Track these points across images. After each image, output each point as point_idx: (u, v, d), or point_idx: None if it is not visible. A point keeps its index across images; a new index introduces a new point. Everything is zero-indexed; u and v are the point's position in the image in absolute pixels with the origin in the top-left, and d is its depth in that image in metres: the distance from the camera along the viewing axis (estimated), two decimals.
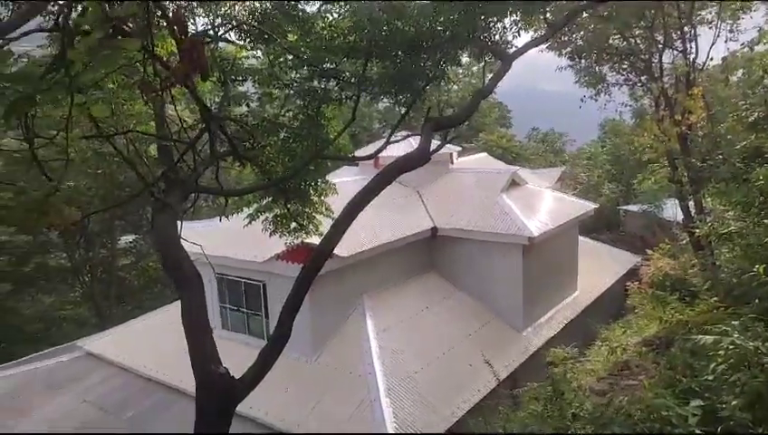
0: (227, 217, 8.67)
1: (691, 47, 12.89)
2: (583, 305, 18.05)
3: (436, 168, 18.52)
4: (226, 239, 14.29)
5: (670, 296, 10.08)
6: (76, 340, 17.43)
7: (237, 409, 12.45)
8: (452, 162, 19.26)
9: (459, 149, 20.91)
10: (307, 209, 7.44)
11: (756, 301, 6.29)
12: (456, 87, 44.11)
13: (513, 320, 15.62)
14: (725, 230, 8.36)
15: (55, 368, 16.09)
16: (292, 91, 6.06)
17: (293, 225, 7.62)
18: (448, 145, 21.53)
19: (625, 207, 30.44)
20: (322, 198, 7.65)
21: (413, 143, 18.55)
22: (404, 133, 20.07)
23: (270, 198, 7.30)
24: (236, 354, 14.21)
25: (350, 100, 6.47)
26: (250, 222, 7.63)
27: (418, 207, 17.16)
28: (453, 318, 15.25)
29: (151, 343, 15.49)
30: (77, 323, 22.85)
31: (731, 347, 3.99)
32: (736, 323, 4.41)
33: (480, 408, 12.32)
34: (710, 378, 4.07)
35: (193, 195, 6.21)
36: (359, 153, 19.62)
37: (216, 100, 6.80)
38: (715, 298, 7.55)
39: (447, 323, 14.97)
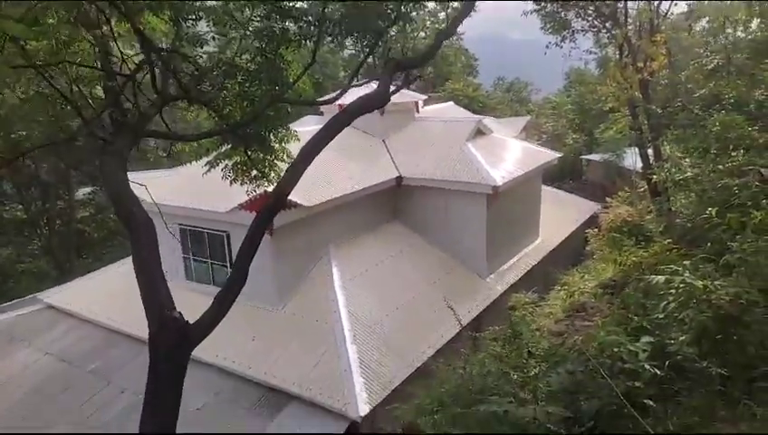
0: (182, 164, 8.41)
1: None
2: (545, 252, 18.47)
3: (402, 116, 18.39)
4: (189, 189, 14.01)
5: (627, 241, 10.36)
6: (36, 293, 17.08)
7: (204, 357, 12.62)
8: (417, 111, 19.09)
9: (425, 97, 20.67)
10: (268, 157, 7.25)
11: (708, 244, 6.50)
12: (423, 34, 43.40)
13: (477, 267, 15.91)
14: (682, 176, 8.55)
15: (16, 321, 15.78)
16: (248, 32, 5.78)
17: (254, 173, 7.44)
18: (414, 93, 21.38)
19: (587, 157, 30.92)
20: (283, 144, 7.46)
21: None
22: (365, 80, 19.79)
23: (229, 145, 7.08)
24: (201, 304, 14.24)
25: (310, 41, 6.23)
26: (209, 170, 7.43)
27: (384, 157, 17.06)
28: (418, 266, 15.44)
29: (113, 294, 15.27)
30: (36, 277, 22.32)
31: (681, 286, 4.13)
32: (687, 263, 4.56)
33: (444, 352, 12.66)
34: (660, 316, 4.22)
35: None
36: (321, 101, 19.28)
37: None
38: (669, 241, 7.79)
39: (412, 271, 15.15)
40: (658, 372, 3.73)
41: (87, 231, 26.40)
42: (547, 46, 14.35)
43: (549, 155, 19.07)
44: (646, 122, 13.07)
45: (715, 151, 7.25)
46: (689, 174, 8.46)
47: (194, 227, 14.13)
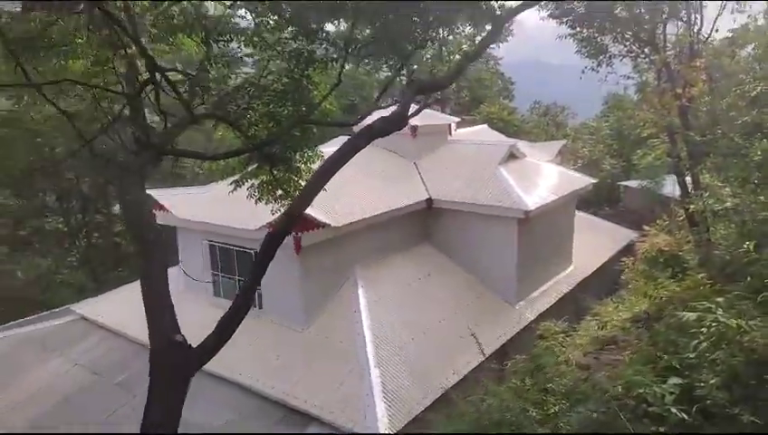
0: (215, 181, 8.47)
1: (696, 18, 12.53)
2: (577, 280, 18.01)
3: (434, 138, 18.33)
4: (220, 206, 14.17)
5: (662, 273, 9.99)
6: (71, 304, 17.46)
7: (228, 374, 12.61)
8: (450, 133, 19.02)
9: (458, 120, 20.61)
10: (293, 176, 7.25)
11: (748, 279, 6.18)
12: (458, 56, 43.54)
13: (506, 293, 15.59)
14: (721, 207, 8.21)
15: (50, 331, 16.15)
16: (275, 52, 5.82)
17: (279, 192, 7.45)
18: (446, 116, 21.37)
19: (625, 183, 30.24)
20: (309, 164, 7.46)
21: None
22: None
23: (255, 165, 7.11)
24: None
25: (336, 62, 6.23)
26: (235, 188, 7.48)
27: (414, 178, 16.99)
28: (446, 290, 15.22)
29: (141, 308, 15.48)
30: (73, 288, 22.87)
31: (713, 324, 3.89)
32: (721, 299, 4.30)
33: (469, 379, 12.38)
34: (691, 355, 3.97)
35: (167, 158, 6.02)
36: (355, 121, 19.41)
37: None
38: (705, 275, 7.44)
39: (440, 294, 14.93)
40: (686, 418, 3.49)
41: (123, 244, 27.00)
42: (583, 71, 14.15)
43: (583, 180, 18.68)
44: (684, 149, 12.68)
45: (756, 181, 6.92)
46: (729, 204, 8.12)
47: (223, 243, 14.26)
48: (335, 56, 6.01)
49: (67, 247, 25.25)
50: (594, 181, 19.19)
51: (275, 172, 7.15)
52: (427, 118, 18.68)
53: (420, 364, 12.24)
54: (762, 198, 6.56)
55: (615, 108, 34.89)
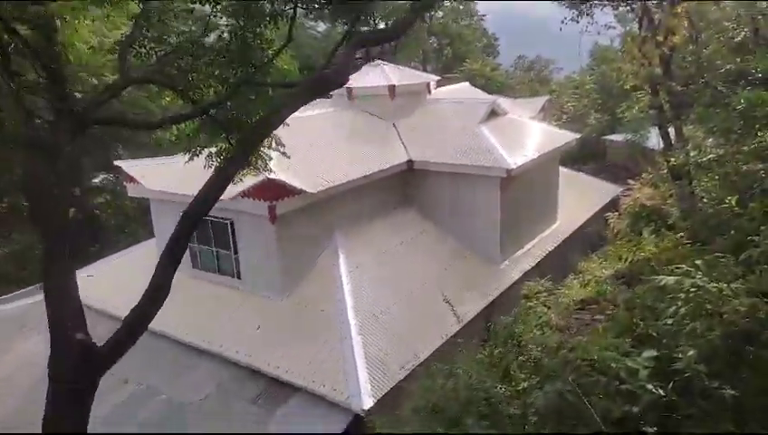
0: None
1: None
2: (563, 237, 17.84)
3: (413, 99, 17.82)
4: (192, 175, 13.67)
5: (645, 228, 9.76)
6: None
7: (207, 347, 12.39)
8: (429, 92, 18.47)
9: (437, 78, 20.02)
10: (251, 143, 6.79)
11: (732, 232, 5.91)
12: (440, 13, 42.43)
13: (490, 253, 15.38)
14: (704, 159, 7.91)
15: (27, 309, 15.79)
16: (219, 6, 5.31)
17: None
18: (425, 74, 20.76)
19: (609, 137, 29.92)
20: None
21: (387, 70, 17.72)
22: (375, 62, 19.15)
23: (207, 133, 6.64)
24: (207, 294, 14.07)
25: (287, 17, 5.72)
26: (191, 158, 7.03)
27: (394, 140, 16.54)
28: (428, 253, 14.98)
29: (120, 283, 15.14)
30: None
31: (692, 289, 3.62)
32: (701, 261, 4.03)
33: (453, 343, 12.25)
34: (669, 323, 3.71)
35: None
36: None
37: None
38: (687, 231, 7.19)
39: (423, 258, 14.70)
40: (662, 394, 3.25)
41: (103, 217, 26.45)
42: (563, 21, 13.62)
43: (567, 136, 18.32)
44: (666, 100, 12.31)
45: (738, 131, 6.61)
46: (712, 156, 7.82)
47: None
48: (284, 8, 5.49)
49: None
50: (578, 137, 18.83)
51: (231, 140, 6.69)
52: (405, 77, 18.15)
53: (404, 329, 12.06)
54: (745, 148, 6.27)
55: (600, 60, 34.25)
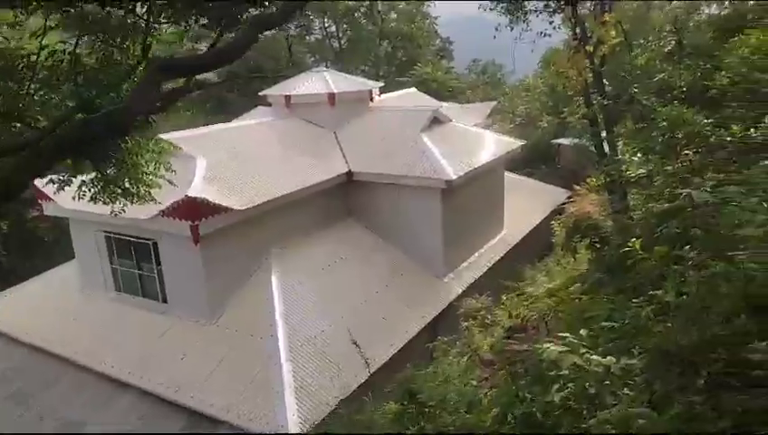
0: None
1: None
2: (509, 246, 17.57)
3: (354, 106, 17.26)
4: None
5: (580, 243, 9.43)
6: None
7: (129, 379, 11.52)
8: (371, 100, 17.93)
9: (380, 84, 19.50)
10: (131, 171, 6.08)
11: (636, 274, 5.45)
12: (393, 14, 42.02)
13: (433, 266, 14.93)
14: (633, 174, 7.59)
15: None
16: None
17: (118, 190, 6.30)
18: (367, 81, 20.21)
19: (560, 141, 29.96)
20: (150, 155, 6.30)
21: (327, 78, 17.08)
22: (315, 69, 18.58)
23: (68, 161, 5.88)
24: (129, 318, 13.19)
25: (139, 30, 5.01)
26: (60, 188, 6.26)
27: (334, 150, 15.94)
28: (369, 268, 14.42)
29: (40, 307, 14.16)
30: None
31: (572, 370, 3.13)
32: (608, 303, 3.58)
33: (392, 364, 11.73)
34: (550, 403, 3.23)
35: None
36: (268, 92, 18.08)
37: None
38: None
39: (363, 274, 14.14)
40: None
41: (38, 231, 25.02)
42: (496, 29, 13.27)
43: (511, 143, 18.06)
44: (599, 112, 12.07)
45: (658, 152, 6.29)
46: (642, 171, 7.51)
47: (119, 234, 12.95)
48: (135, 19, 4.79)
49: None
50: (522, 144, 18.56)
51: (102, 169, 5.96)
52: (346, 84, 17.57)
53: (337, 353, 11.43)
54: (669, 168, 5.93)
55: (548, 63, 34.27)
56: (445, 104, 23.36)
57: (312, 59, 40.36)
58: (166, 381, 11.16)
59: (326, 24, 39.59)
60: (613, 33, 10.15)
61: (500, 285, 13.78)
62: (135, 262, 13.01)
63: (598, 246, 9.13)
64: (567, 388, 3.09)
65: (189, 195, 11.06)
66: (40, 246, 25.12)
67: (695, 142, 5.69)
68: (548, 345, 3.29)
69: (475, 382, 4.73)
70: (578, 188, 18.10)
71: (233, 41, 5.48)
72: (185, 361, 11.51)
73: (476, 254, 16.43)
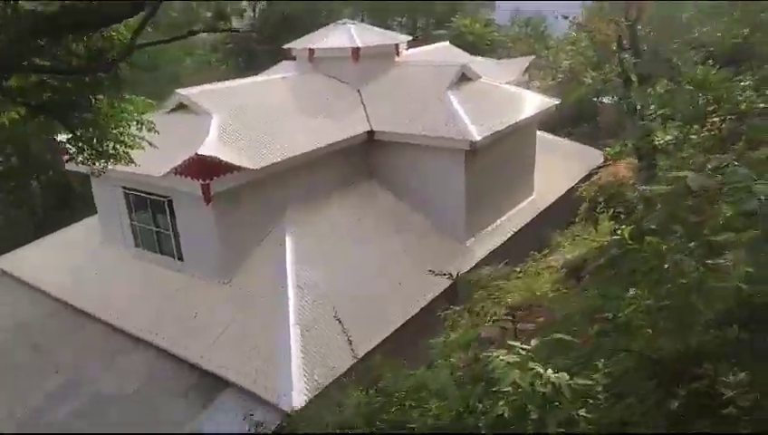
0: None
1: None
2: (538, 211, 16.87)
3: (379, 62, 16.53)
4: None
5: (602, 214, 8.79)
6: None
7: (142, 335, 11.65)
8: (398, 54, 17.14)
9: (408, 38, 18.59)
10: (97, 131, 5.76)
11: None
12: None
13: (454, 230, 14.43)
14: (661, 140, 6.87)
15: None
16: None
17: (95, 151, 6.02)
18: (394, 35, 19.33)
19: (601, 99, 28.46)
20: (125, 114, 5.94)
21: (353, 32, 16.38)
22: (341, 21, 17.85)
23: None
24: (147, 275, 13.28)
25: None
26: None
27: (356, 108, 15.38)
28: (388, 230, 14.05)
29: (62, 260, 14.42)
30: (14, 233, 21.64)
31: (514, 388, 2.68)
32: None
33: (409, 330, 11.49)
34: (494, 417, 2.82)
35: None
36: (292, 45, 17.50)
37: None
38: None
39: (381, 236, 13.78)
40: None
41: (71, 184, 25.55)
42: None
43: (545, 102, 17.06)
44: (631, 71, 11.07)
45: (685, 117, 5.57)
46: (670, 138, 6.79)
47: (137, 191, 12.90)
48: None
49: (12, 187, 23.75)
50: (556, 102, 17.51)
51: (72, 129, 5.66)
52: (371, 38, 16.82)
53: (349, 317, 11.14)
54: (693, 136, 5.26)
55: (589, 15, 32.27)
56: (479, 59, 22.37)
57: (349, 10, 39.16)
58: (177, 338, 11.22)
59: None
60: None
61: (532, 248, 13.24)
62: (152, 219, 12.98)
63: (622, 217, 8.45)
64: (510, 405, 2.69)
65: (200, 153, 10.81)
66: (74, 198, 25.71)
67: (724, 108, 4.98)
68: (498, 354, 2.87)
69: (450, 372, 4.34)
70: (609, 150, 17.11)
71: None
72: (197, 319, 11.52)
73: (502, 218, 15.83)
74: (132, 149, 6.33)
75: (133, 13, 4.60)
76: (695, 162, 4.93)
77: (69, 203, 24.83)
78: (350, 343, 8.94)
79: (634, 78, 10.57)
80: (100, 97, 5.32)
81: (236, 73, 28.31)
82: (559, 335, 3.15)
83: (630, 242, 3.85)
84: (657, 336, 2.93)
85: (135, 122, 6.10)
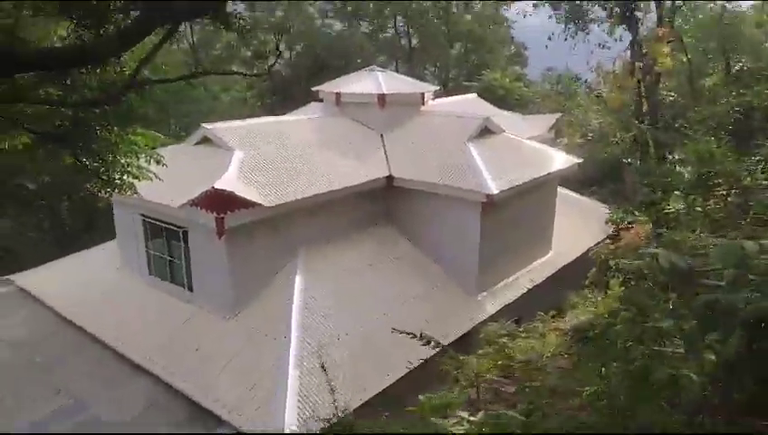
0: None
1: None
2: (555, 269, 16.59)
3: (405, 109, 16.81)
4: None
5: (613, 279, 8.60)
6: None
7: (145, 364, 11.65)
8: (423, 103, 17.39)
9: (435, 88, 18.92)
10: (111, 159, 5.91)
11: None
12: (467, 17, 41.05)
13: (467, 283, 14.27)
14: (672, 210, 6.77)
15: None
16: None
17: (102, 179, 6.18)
18: (421, 84, 19.68)
19: (627, 160, 28.25)
20: (128, 145, 6.09)
21: (380, 78, 16.72)
22: (369, 68, 18.24)
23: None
24: (156, 303, 13.37)
25: None
26: None
27: (378, 152, 15.55)
28: (399, 277, 13.96)
29: (78, 281, 14.65)
30: (39, 251, 22.16)
31: None
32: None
33: (406, 382, 11.25)
34: None
35: None
36: (321, 88, 17.95)
37: None
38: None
39: (392, 282, 13.69)
40: None
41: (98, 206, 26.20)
42: (549, 37, 12.41)
43: (566, 160, 16.99)
44: (649, 137, 11.01)
45: (690, 188, 5.49)
46: (681, 207, 6.67)
47: (154, 219, 13.14)
48: None
49: (40, 206, 24.41)
50: (579, 162, 17.43)
51: (80, 158, 5.83)
52: (398, 85, 17.15)
53: (349, 363, 11.10)
54: (698, 208, 5.16)
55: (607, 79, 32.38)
56: (506, 113, 22.52)
57: (383, 57, 40.14)
58: (178, 370, 11.20)
59: (398, 23, 39.26)
60: (666, 50, 9.13)
61: (545, 307, 12.98)
62: (167, 248, 13.17)
63: (632, 283, 8.27)
64: None
65: (217, 187, 11.00)
66: (101, 221, 26.29)
67: (728, 182, 4.90)
68: (445, 423, 2.76)
69: None
70: (637, 214, 16.84)
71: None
72: (199, 352, 11.50)
73: (517, 274, 15.60)
74: (139, 180, 6.49)
75: (120, 51, 4.77)
76: (698, 234, 4.81)
77: (95, 225, 25.39)
78: (336, 407, 8.67)
79: (651, 144, 10.52)
80: (109, 128, 5.50)
81: (270, 112, 29.05)
82: (502, 411, 3.04)
83: (606, 316, 3.74)
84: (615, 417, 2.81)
85: (144, 155, 6.27)
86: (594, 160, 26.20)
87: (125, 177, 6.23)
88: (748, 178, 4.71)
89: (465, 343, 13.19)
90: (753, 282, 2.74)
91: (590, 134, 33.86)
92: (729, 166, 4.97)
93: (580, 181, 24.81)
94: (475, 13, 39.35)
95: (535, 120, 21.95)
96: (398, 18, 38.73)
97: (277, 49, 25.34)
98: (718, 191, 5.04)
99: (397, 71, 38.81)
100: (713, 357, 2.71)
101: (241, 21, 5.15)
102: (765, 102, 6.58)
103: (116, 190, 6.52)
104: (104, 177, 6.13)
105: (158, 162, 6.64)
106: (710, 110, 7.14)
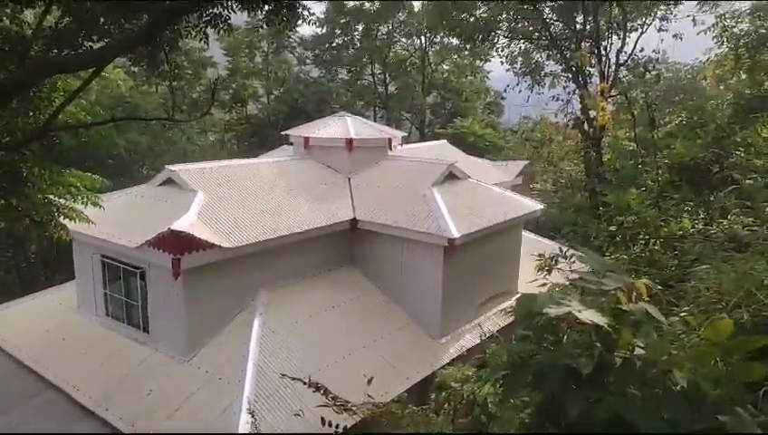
0: None
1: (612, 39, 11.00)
2: None
3: (372, 153, 17.08)
4: (117, 217, 12.90)
5: None
6: None
7: (94, 408, 11.33)
8: (391, 148, 17.70)
9: (402, 134, 19.29)
10: (37, 199, 5.94)
11: None
12: (445, 66, 42.18)
13: (429, 326, 14.26)
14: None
15: None
16: None
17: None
18: (389, 130, 20.09)
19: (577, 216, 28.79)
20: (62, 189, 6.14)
21: (349, 124, 17.02)
22: (339, 113, 18.60)
23: None
24: (111, 345, 13.11)
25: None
26: None
27: (344, 195, 15.70)
28: (361, 320, 13.90)
29: (35, 323, 14.31)
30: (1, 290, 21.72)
31: None
32: None
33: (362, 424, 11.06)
34: None
35: None
36: (291, 132, 18.20)
37: None
38: None
39: (353, 325, 13.61)
40: None
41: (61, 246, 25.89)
42: (505, 90, 12.83)
43: (530, 206, 17.30)
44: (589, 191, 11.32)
45: (615, 240, 5.63)
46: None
47: (113, 260, 13.02)
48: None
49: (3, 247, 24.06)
50: (541, 208, 17.73)
51: (9, 198, 5.85)
52: (366, 131, 17.47)
53: (306, 409, 10.85)
54: (624, 257, 5.28)
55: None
56: (475, 159, 22.97)
57: (361, 103, 40.93)
58: (125, 414, 10.91)
59: (376, 71, 40.22)
60: (603, 106, 9.49)
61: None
62: (124, 289, 13.01)
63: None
64: None
65: (173, 228, 10.98)
66: (64, 260, 25.94)
67: (648, 232, 5.05)
68: None
69: None
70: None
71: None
72: (151, 395, 11.23)
73: (481, 317, 15.61)
74: (76, 222, 6.48)
75: (33, 81, 4.86)
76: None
77: (60, 267, 24.98)
78: None
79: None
80: (35, 170, 5.53)
81: (248, 154, 29.29)
82: None
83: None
84: None
85: (80, 196, 6.29)
86: (566, 205, 26.66)
87: (60, 218, 6.22)
88: (665, 229, 4.84)
89: (428, 386, 13.11)
90: None
91: (562, 180, 34.62)
92: (646, 216, 5.12)
93: (553, 226, 25.19)
94: (452, 62, 40.45)
95: (505, 167, 22.38)
96: (376, 66, 39.69)
97: (212, 97, 25.92)
98: (640, 240, 5.19)
99: (374, 117, 39.57)
100: None
101: (174, 69, 5.29)
102: (698, 156, 6.88)
103: (46, 232, 6.50)
104: (36, 218, 6.12)
105: (94, 205, 6.65)
106: (672, 156, 7.42)
